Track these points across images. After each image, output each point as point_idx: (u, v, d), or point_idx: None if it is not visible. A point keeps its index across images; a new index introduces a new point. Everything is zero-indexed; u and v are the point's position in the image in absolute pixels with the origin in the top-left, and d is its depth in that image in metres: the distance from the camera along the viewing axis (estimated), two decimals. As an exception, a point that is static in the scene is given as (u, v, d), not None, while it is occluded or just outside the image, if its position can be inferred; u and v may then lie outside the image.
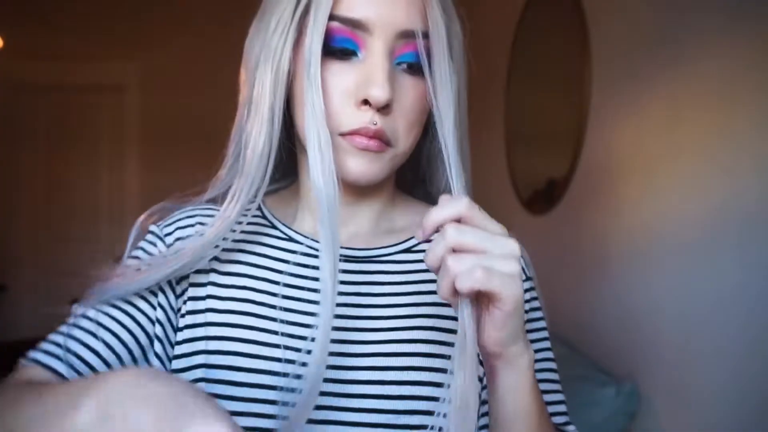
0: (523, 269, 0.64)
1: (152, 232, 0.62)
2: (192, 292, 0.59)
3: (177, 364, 0.57)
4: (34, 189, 3.71)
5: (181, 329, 0.58)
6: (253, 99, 0.56)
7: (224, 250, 0.59)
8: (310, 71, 0.51)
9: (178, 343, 0.58)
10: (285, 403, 0.51)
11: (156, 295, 0.58)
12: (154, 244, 0.61)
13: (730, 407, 1.21)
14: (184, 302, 0.59)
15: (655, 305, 1.46)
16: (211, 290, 0.59)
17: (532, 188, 2.24)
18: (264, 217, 0.64)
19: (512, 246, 0.44)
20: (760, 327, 1.14)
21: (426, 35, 0.54)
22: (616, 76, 1.68)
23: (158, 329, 0.57)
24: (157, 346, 0.57)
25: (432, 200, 0.70)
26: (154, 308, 0.58)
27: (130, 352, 0.56)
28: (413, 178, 0.70)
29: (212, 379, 0.55)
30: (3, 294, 3.64)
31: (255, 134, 0.56)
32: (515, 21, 2.34)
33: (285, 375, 0.53)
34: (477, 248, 0.43)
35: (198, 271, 0.59)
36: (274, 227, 0.63)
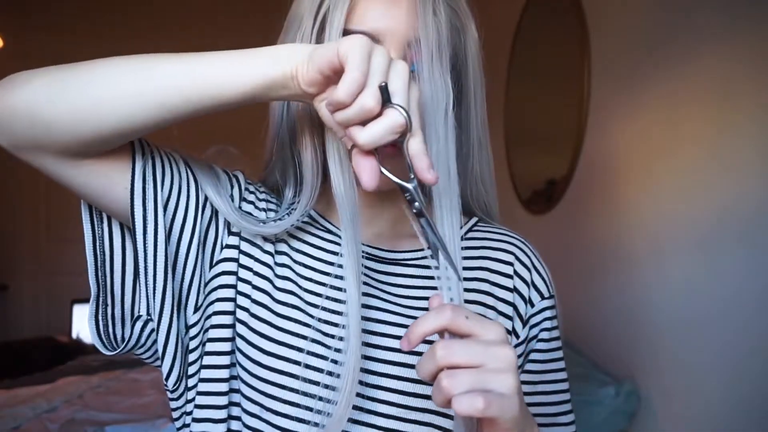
0: (546, 283, 0.65)
1: (251, 184, 0.66)
2: (234, 251, 0.62)
3: (216, 320, 0.60)
4: (35, 189, 3.70)
5: (215, 265, 0.61)
6: (292, 118, 0.60)
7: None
8: None
9: (212, 288, 0.61)
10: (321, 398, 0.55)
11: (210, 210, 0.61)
12: (252, 192, 0.65)
13: (730, 407, 1.21)
14: (226, 247, 0.62)
15: (656, 305, 1.46)
16: (252, 263, 0.62)
17: (532, 188, 2.24)
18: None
19: (507, 355, 0.42)
20: (762, 327, 1.14)
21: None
22: (616, 76, 1.68)
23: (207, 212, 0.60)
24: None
25: None
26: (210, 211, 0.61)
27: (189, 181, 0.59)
28: None
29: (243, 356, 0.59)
30: (3, 294, 3.64)
31: (303, 151, 0.59)
32: (515, 21, 2.34)
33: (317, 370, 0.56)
34: (470, 364, 0.42)
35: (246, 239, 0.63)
36: (312, 218, 0.66)
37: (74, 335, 3.40)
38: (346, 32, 0.54)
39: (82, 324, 3.27)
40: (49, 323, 3.63)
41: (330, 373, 0.55)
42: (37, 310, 3.72)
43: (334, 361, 0.55)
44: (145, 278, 0.56)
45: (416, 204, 0.46)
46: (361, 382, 0.57)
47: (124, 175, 0.54)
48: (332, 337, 0.57)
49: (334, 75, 0.44)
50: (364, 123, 0.43)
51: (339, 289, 0.59)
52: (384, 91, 0.41)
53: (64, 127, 0.47)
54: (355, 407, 0.56)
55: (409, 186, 0.46)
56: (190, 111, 0.48)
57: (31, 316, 3.70)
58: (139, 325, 0.57)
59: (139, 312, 0.58)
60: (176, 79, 0.47)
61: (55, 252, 3.66)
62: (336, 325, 0.57)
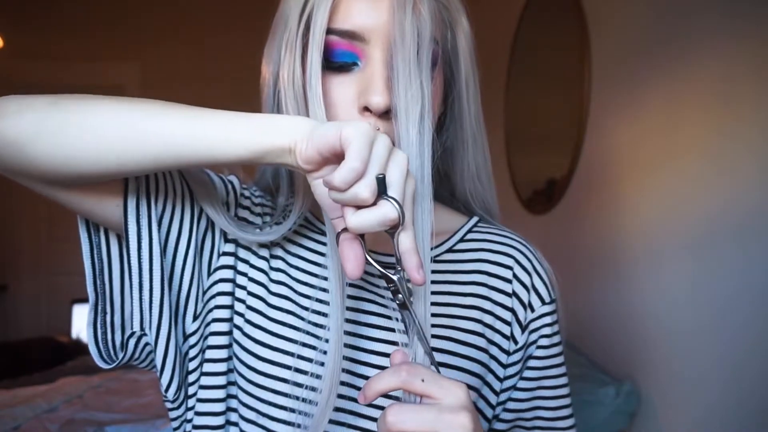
0: (547, 287, 0.64)
1: (246, 188, 0.66)
2: (229, 258, 0.62)
3: (215, 327, 0.60)
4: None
5: (214, 271, 0.61)
6: None
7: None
8: (311, 84, 0.53)
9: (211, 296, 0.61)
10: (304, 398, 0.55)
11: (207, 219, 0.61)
12: (247, 198, 0.65)
13: (729, 407, 1.22)
14: (223, 255, 0.61)
15: (655, 305, 1.46)
16: (247, 269, 0.62)
17: (532, 188, 2.24)
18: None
19: (462, 422, 0.42)
20: (761, 328, 1.14)
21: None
22: (616, 76, 1.68)
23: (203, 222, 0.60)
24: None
25: (454, 199, 0.70)
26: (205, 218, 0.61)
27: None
28: (437, 178, 0.70)
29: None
30: (3, 294, 3.64)
31: None
32: (515, 21, 2.34)
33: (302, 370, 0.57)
34: (420, 431, 0.42)
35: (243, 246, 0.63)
36: (308, 221, 0.66)
37: (74, 335, 3.40)
38: (329, 31, 0.53)
39: (82, 324, 3.27)
40: (49, 323, 3.63)
41: (317, 376, 0.55)
42: (37, 310, 3.71)
43: (320, 364, 0.55)
44: (140, 293, 0.55)
45: (399, 296, 0.46)
46: (350, 385, 0.57)
47: (116, 194, 0.53)
48: (320, 338, 0.57)
49: (333, 157, 0.43)
50: (358, 206, 0.42)
51: (327, 291, 0.58)
52: (381, 183, 0.41)
53: (49, 165, 0.46)
54: (342, 410, 0.56)
55: (395, 278, 0.45)
56: (180, 166, 0.48)
57: (31, 316, 3.70)
58: (132, 341, 0.56)
59: (132, 328, 0.57)
60: (169, 138, 0.46)
61: (55, 252, 3.66)
62: (324, 327, 0.57)
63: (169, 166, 0.47)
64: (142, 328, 0.56)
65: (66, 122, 0.46)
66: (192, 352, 0.59)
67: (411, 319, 0.47)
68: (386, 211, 0.41)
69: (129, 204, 0.54)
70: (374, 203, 0.41)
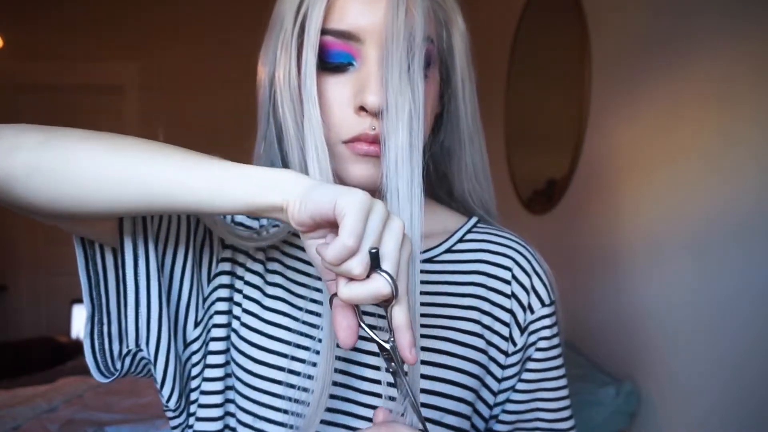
0: (547, 289, 0.64)
1: None
2: (228, 264, 0.62)
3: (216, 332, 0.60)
4: (34, 189, 3.70)
5: (214, 279, 0.61)
6: (278, 119, 0.58)
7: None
8: (306, 85, 0.53)
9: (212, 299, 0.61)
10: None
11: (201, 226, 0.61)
12: None
13: (730, 408, 1.21)
14: (222, 261, 0.62)
15: (655, 305, 1.46)
16: (244, 273, 0.62)
17: (532, 188, 2.24)
18: None
19: None
20: (760, 328, 1.14)
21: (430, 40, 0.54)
22: (617, 76, 1.68)
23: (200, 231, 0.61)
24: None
25: (452, 199, 0.70)
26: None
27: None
28: (435, 178, 0.70)
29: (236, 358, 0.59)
30: (3, 294, 3.64)
31: (290, 152, 0.58)
32: (515, 21, 2.34)
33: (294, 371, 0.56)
34: None
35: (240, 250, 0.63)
36: None
37: (74, 335, 3.40)
38: (324, 32, 0.53)
39: (82, 324, 3.27)
40: (49, 323, 3.63)
41: (310, 377, 0.55)
42: (36, 310, 3.71)
43: (313, 364, 0.55)
44: (137, 310, 0.54)
45: (393, 364, 0.46)
46: (345, 386, 0.57)
47: (111, 220, 0.53)
48: (314, 339, 0.57)
49: (326, 223, 0.42)
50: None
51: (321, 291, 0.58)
52: (374, 258, 0.40)
53: (39, 204, 0.46)
54: (336, 410, 0.56)
55: (387, 346, 0.45)
56: (171, 212, 0.48)
57: (30, 316, 3.70)
58: (128, 358, 0.56)
59: (128, 346, 0.56)
60: (160, 189, 0.45)
61: (55, 252, 3.66)
62: (318, 327, 0.57)
63: (160, 212, 0.47)
64: (137, 345, 0.55)
65: (56, 165, 0.45)
66: (195, 358, 0.59)
67: (403, 384, 0.46)
68: (379, 286, 0.40)
69: (125, 226, 0.53)
70: (368, 276, 0.40)
